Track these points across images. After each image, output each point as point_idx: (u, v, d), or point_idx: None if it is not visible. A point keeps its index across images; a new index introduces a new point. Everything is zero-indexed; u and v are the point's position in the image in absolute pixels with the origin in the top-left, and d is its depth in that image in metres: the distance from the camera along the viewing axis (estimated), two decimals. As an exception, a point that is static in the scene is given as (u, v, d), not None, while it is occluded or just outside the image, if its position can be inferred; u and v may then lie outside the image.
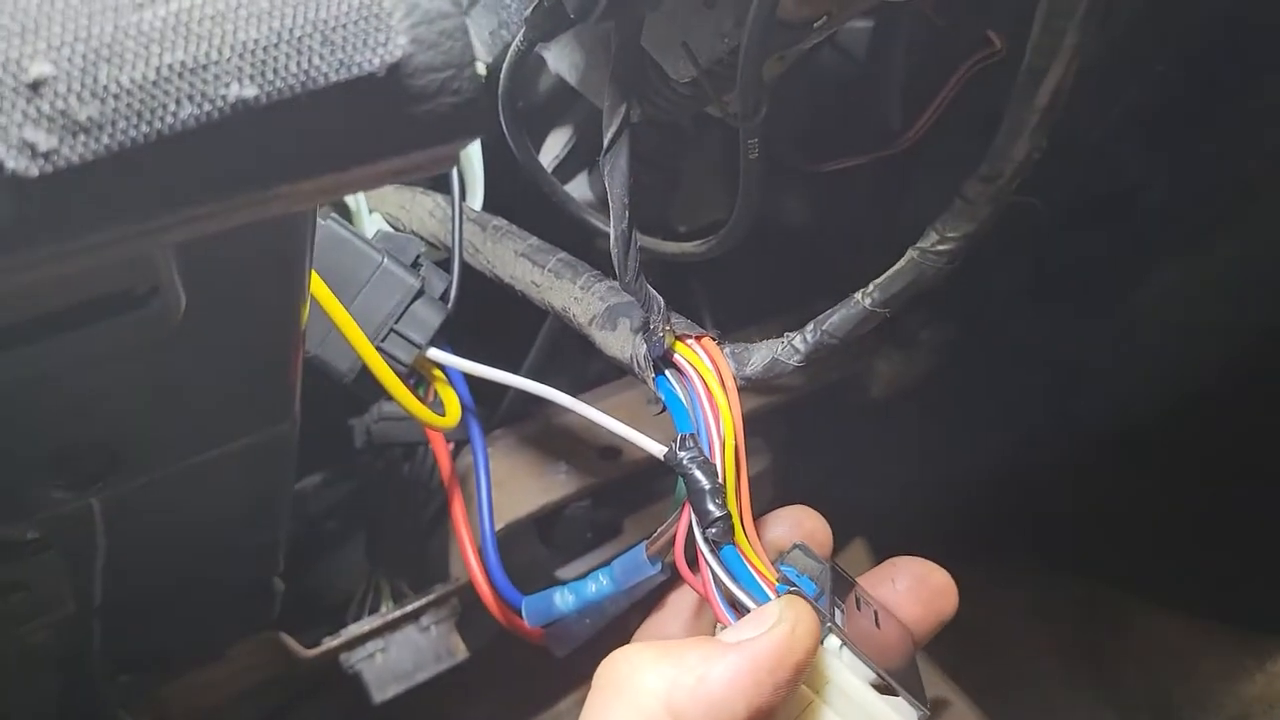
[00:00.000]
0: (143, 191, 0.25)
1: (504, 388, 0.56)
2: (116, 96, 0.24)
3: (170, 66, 0.25)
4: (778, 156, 0.78)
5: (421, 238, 0.62)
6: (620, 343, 0.50)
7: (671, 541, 0.46)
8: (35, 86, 0.23)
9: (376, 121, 0.28)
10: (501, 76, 0.57)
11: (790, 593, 0.42)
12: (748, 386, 0.50)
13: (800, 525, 0.52)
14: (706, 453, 0.45)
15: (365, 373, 0.53)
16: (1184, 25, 0.72)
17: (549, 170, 0.65)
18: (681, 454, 0.45)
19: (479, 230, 0.59)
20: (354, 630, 0.74)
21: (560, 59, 0.59)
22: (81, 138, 0.24)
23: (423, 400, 0.59)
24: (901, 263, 0.45)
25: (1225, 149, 0.76)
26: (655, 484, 0.91)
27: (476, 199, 0.66)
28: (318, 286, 0.49)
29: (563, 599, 0.51)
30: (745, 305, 0.97)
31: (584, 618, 0.51)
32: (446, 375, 0.58)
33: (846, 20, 0.50)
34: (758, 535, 0.47)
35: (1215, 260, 0.83)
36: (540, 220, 0.65)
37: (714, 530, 0.43)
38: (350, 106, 0.27)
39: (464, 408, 0.57)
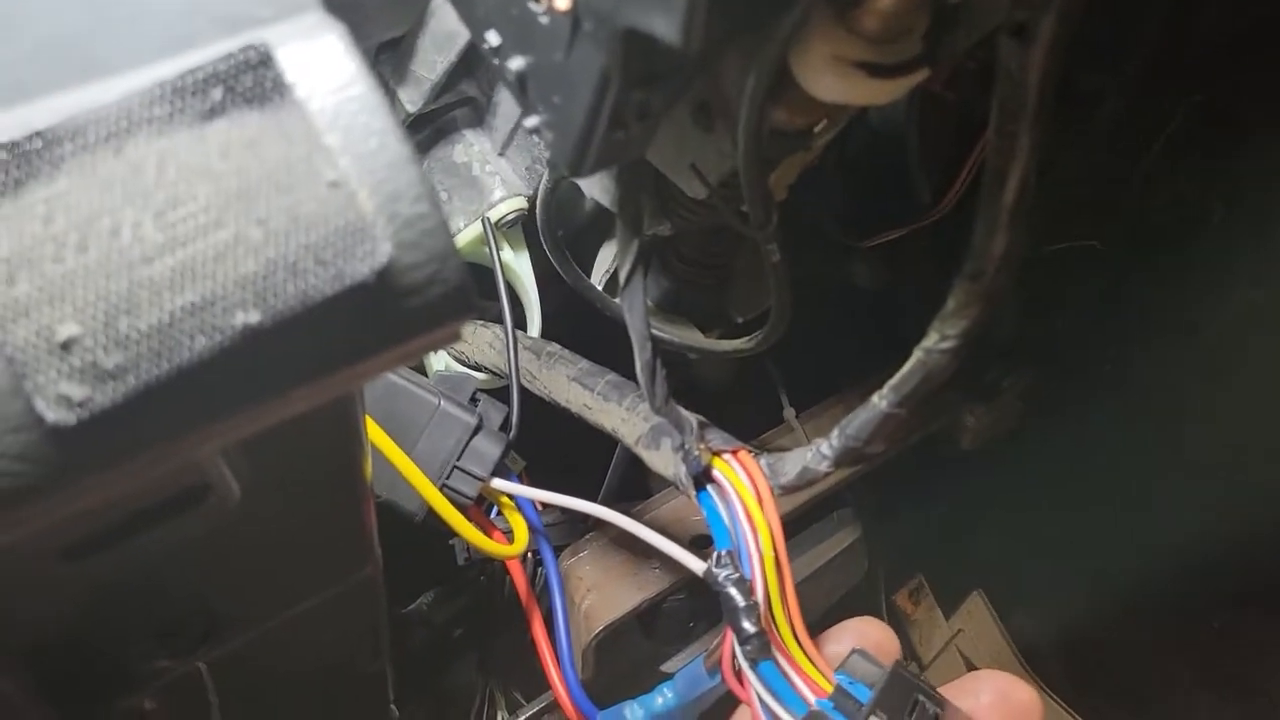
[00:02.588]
0: (169, 418, 0.28)
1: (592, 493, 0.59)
2: (137, 342, 0.27)
3: (182, 308, 0.28)
4: (826, 233, 0.80)
5: (484, 368, 0.65)
6: (664, 461, 0.53)
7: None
8: (66, 346, 0.27)
9: (373, 321, 0.30)
10: (538, 210, 0.60)
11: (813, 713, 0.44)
12: (784, 494, 0.51)
13: (865, 637, 0.52)
14: (745, 568, 0.46)
15: (434, 512, 0.56)
16: (1207, 55, 0.71)
17: (600, 286, 0.68)
18: (717, 571, 0.46)
19: (534, 357, 0.63)
20: (473, 744, 0.77)
21: (592, 185, 0.62)
22: (111, 383, 0.27)
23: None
24: (910, 363, 0.46)
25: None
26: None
27: (534, 326, 0.69)
28: (379, 436, 0.53)
29: (632, 713, 0.52)
30: (827, 375, 0.98)
31: (655, 730, 0.53)
32: (514, 501, 0.61)
33: (847, 120, 0.51)
34: (817, 649, 0.48)
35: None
36: (600, 332, 0.67)
37: (749, 648, 0.45)
38: (347, 313, 0.30)
39: (533, 531, 0.60)
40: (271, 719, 0.58)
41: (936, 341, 0.44)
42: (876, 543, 0.98)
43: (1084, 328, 0.95)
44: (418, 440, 0.56)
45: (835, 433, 0.50)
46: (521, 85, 0.39)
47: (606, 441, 0.78)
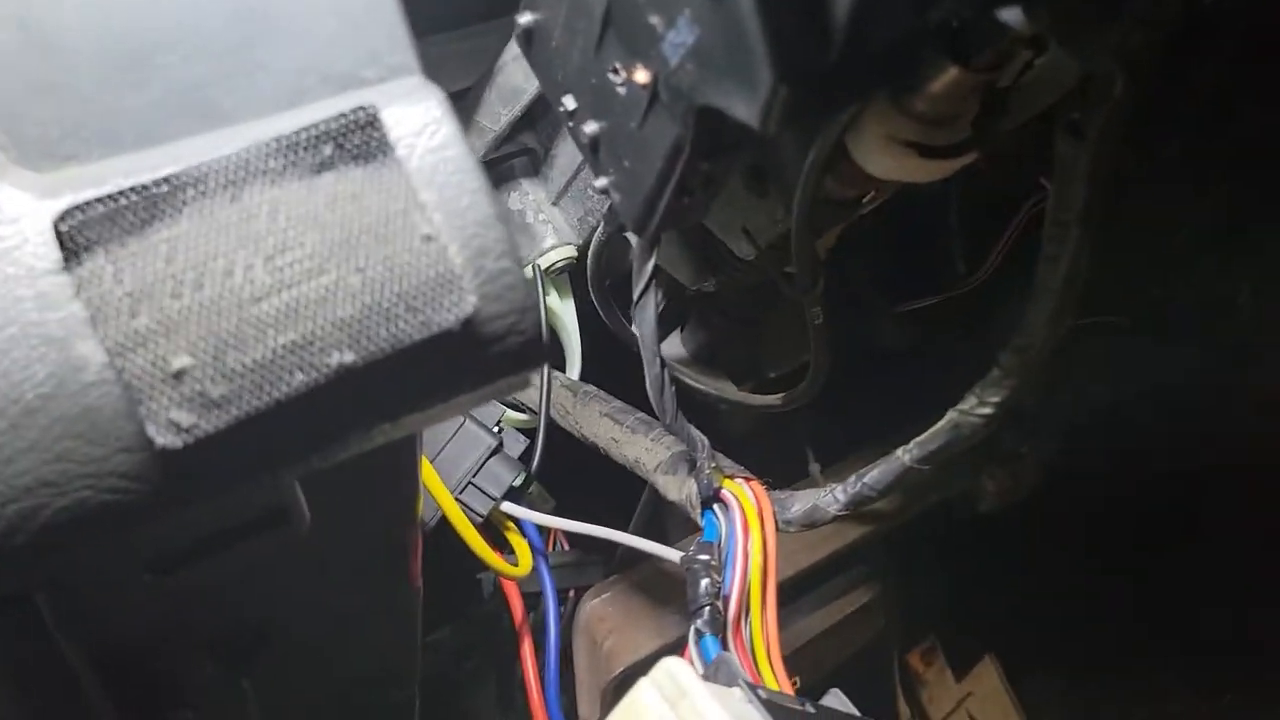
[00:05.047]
0: (264, 447, 0.30)
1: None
2: (242, 375, 0.29)
3: (284, 346, 0.30)
4: (860, 293, 0.82)
5: (524, 406, 0.68)
6: (679, 484, 0.55)
7: None
8: (178, 376, 0.29)
9: (456, 366, 0.33)
10: (588, 260, 0.63)
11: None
12: (788, 530, 0.53)
13: None
14: (728, 569, 0.48)
15: (445, 521, 0.58)
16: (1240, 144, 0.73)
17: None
18: (694, 551, 0.48)
19: (570, 395, 0.65)
20: (488, 777, 0.78)
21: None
22: (215, 412, 0.29)
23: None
24: (941, 423, 0.48)
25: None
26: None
27: (574, 369, 0.71)
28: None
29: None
30: (853, 433, 0.99)
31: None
32: (520, 527, 0.63)
33: (894, 190, 0.54)
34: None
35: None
36: (638, 378, 0.70)
37: (700, 619, 0.46)
38: (433, 358, 0.32)
39: (535, 554, 0.62)
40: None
41: (974, 406, 0.46)
42: (892, 602, 0.99)
43: (1108, 401, 0.96)
44: (439, 452, 0.59)
45: (852, 479, 0.52)
46: (594, 148, 0.42)
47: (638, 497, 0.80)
